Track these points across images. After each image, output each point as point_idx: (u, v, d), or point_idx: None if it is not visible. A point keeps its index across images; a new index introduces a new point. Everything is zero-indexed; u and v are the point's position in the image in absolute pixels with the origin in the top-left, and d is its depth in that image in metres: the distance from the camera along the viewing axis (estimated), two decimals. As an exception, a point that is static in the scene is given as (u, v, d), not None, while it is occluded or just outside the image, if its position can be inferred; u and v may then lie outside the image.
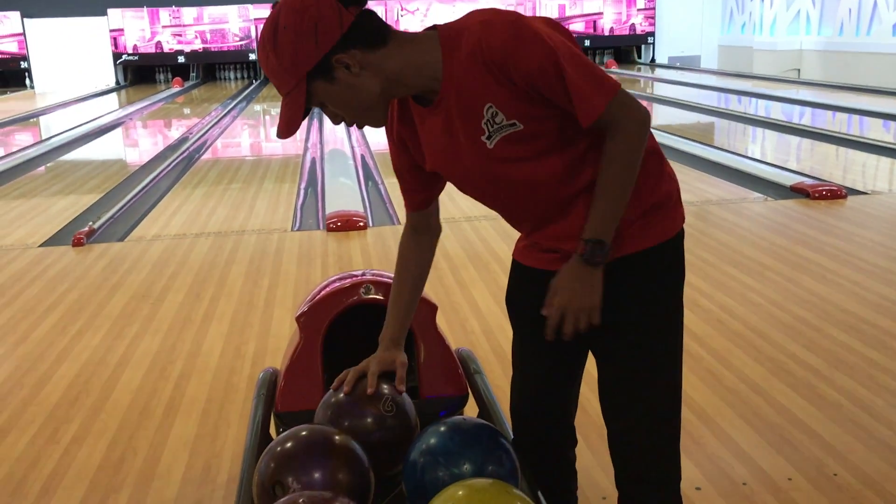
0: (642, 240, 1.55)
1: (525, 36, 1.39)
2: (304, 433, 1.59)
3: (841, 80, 13.16)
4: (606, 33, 18.52)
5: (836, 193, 5.54)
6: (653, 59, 18.66)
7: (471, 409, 2.02)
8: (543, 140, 1.48)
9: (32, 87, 17.49)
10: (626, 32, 18.54)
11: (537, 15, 1.47)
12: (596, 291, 1.49)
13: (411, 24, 17.97)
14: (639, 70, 17.61)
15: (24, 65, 17.47)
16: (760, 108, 10.95)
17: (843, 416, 2.63)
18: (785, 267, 4.13)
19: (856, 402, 2.71)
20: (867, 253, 4.33)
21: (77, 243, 4.99)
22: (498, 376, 2.99)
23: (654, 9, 18.41)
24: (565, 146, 1.50)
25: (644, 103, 8.50)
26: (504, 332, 3.42)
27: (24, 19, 17.21)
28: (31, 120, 12.75)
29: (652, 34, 18.54)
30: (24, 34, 17.25)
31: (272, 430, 1.99)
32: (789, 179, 5.98)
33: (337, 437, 1.58)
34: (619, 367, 1.61)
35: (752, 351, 3.15)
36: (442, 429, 1.63)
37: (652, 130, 1.51)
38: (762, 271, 4.07)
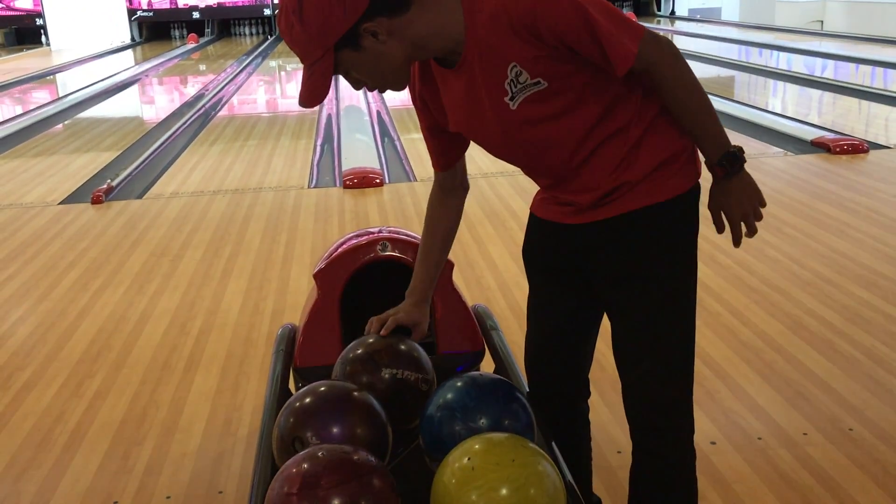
0: (653, 194, 1.55)
1: None
2: (322, 389, 1.61)
3: (865, 32, 12.88)
4: (625, -15, 18.21)
5: (857, 148, 5.46)
6: (672, 12, 18.34)
7: (487, 365, 2.03)
8: (566, 98, 1.48)
9: (48, 45, 17.46)
10: (646, -16, 18.21)
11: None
12: (757, 192, 1.58)
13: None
14: (658, 22, 17.32)
15: (39, 22, 17.42)
16: (782, 61, 10.76)
17: (860, 371, 2.63)
18: (804, 222, 4.10)
19: (873, 358, 2.71)
20: (888, 208, 4.29)
21: (96, 201, 5.03)
22: (514, 332, 3.01)
23: (674, -41, 18.06)
24: (587, 104, 1.49)
25: None
26: (520, 288, 3.43)
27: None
28: (48, 77, 12.75)
29: (672, -15, 18.20)
30: (38, -10, 17.18)
31: (291, 385, 2.02)
32: (810, 134, 5.90)
33: (355, 393, 1.60)
34: (630, 320, 1.61)
35: (769, 306, 3.14)
36: (459, 384, 1.65)
37: None
38: (781, 227, 4.04)
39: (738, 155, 1.54)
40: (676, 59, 1.47)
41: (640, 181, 1.54)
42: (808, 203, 4.42)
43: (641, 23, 1.46)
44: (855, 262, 3.56)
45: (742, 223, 1.59)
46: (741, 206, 1.58)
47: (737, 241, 1.60)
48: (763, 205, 1.58)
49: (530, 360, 1.83)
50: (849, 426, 2.33)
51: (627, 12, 18.20)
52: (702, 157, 1.61)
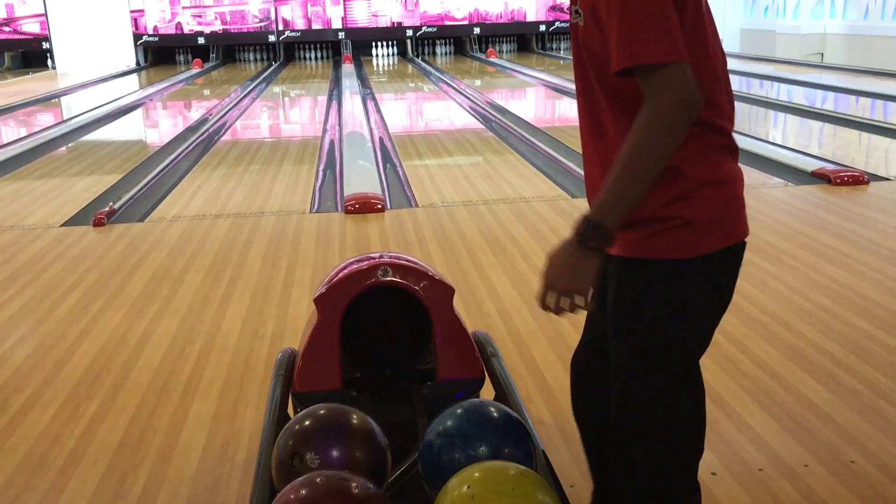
0: (642, 245, 1.46)
1: None
2: (322, 411, 1.60)
3: (865, 65, 12.98)
4: (627, 16, 18.36)
5: (858, 179, 5.48)
6: (674, 43, 18.47)
7: (487, 392, 2.03)
8: (587, 59, 1.46)
9: (54, 68, 17.58)
10: (648, 15, 18.35)
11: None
12: (584, 276, 1.39)
13: (431, 5, 17.89)
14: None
15: (45, 45, 17.56)
16: (782, 93, 10.83)
17: (862, 403, 2.62)
18: (805, 253, 4.10)
19: (874, 389, 2.70)
20: (889, 240, 4.29)
21: (98, 223, 5.04)
22: (514, 359, 3.00)
23: (676, -9, 18.21)
24: (593, 92, 1.45)
25: None
26: (521, 315, 3.43)
27: None
28: (53, 100, 12.83)
29: (673, 17, 18.35)
30: (45, 14, 17.32)
31: (290, 410, 2.01)
32: (811, 165, 5.92)
33: (354, 416, 1.60)
34: (613, 370, 1.56)
35: (769, 337, 3.14)
36: (458, 411, 1.65)
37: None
38: (782, 257, 4.04)
39: (604, 236, 1.39)
40: (661, 118, 1.33)
41: (630, 227, 1.44)
42: (808, 234, 4.43)
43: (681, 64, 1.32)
44: (856, 293, 3.56)
45: (549, 292, 1.43)
46: (560, 274, 1.42)
47: (539, 301, 1.46)
48: (582, 306, 1.41)
49: (573, 367, 1.82)
50: (850, 458, 2.31)
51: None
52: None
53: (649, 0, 1.33)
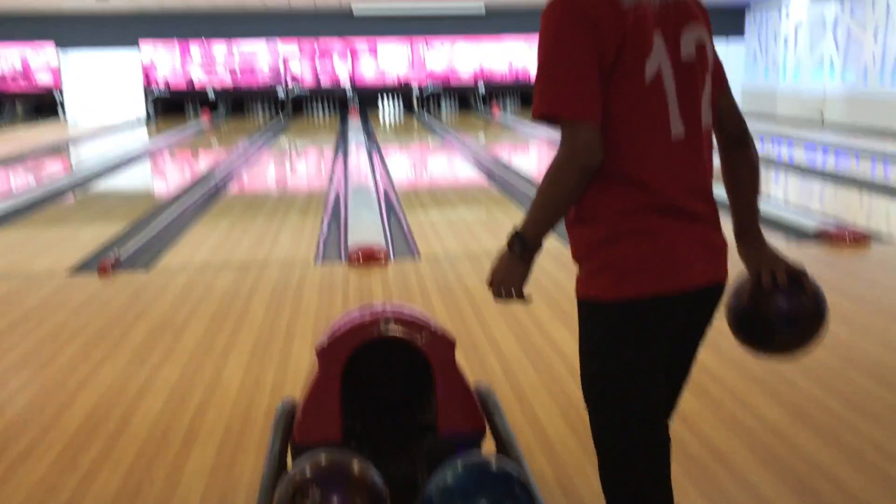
0: (579, 285, 1.66)
1: (550, 15, 1.52)
2: (323, 459, 1.60)
3: (866, 125, 13.12)
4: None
5: (860, 239, 5.50)
6: (676, 101, 18.72)
7: (489, 447, 2.01)
8: None
9: (65, 119, 17.83)
10: (651, 74, 18.64)
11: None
12: (513, 275, 1.64)
13: (436, 63, 18.18)
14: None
15: (57, 96, 17.84)
16: (783, 152, 10.93)
17: (867, 462, 2.59)
18: (808, 311, 4.09)
19: (880, 450, 2.67)
20: (892, 299, 4.29)
21: (103, 272, 5.06)
22: (516, 414, 2.98)
23: (678, 51, 18.52)
24: None
25: None
26: (523, 370, 3.41)
27: (59, 51, 17.61)
28: (62, 150, 12.98)
29: (676, 76, 18.63)
30: (58, 66, 17.63)
31: (289, 462, 2.00)
32: (813, 224, 5.95)
33: (355, 464, 1.59)
34: None
35: (773, 394, 3.12)
36: (459, 466, 1.64)
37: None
38: (785, 315, 4.03)
39: (523, 245, 1.62)
40: (556, 167, 1.53)
41: (579, 260, 1.68)
42: (811, 291, 4.42)
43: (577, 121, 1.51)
44: (860, 351, 3.54)
45: (491, 286, 1.67)
46: (496, 270, 1.67)
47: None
48: (515, 290, 1.66)
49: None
50: (855, 519, 2.28)
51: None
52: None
53: (570, 59, 1.49)
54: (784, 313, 1.77)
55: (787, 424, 2.87)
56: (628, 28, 1.50)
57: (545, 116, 1.51)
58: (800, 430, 2.83)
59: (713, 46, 1.70)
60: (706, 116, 1.65)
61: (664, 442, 1.71)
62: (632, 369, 1.63)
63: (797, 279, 1.77)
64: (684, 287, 1.61)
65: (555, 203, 1.56)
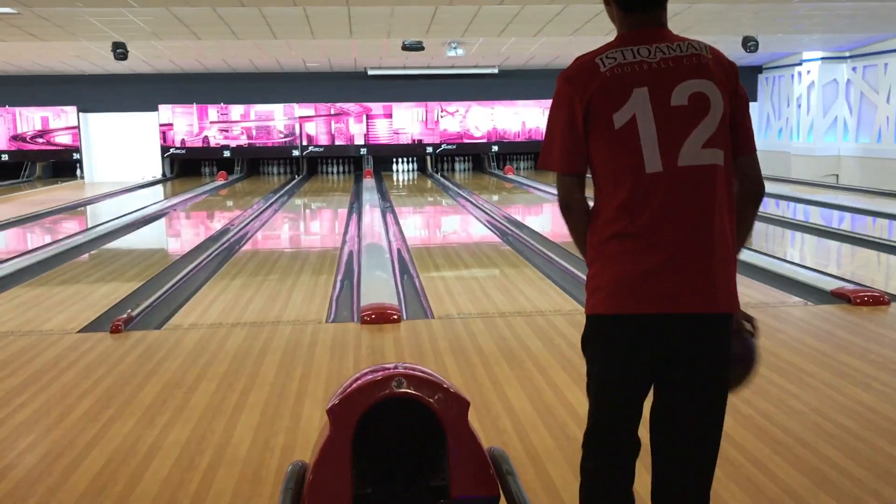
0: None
1: (557, 88, 1.94)
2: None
3: (880, 186, 13.12)
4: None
5: (878, 300, 5.44)
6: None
7: (502, 511, 1.96)
8: None
9: (82, 178, 18.08)
10: (663, 135, 18.77)
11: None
12: None
13: (450, 124, 18.41)
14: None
15: (76, 156, 18.12)
16: (799, 212, 10.92)
17: (893, 532, 2.51)
18: (827, 373, 4.03)
19: (905, 518, 2.59)
20: (913, 361, 4.21)
21: (115, 330, 5.05)
22: (530, 477, 2.92)
23: (690, 113, 18.67)
24: None
25: None
26: (537, 432, 3.36)
27: (80, 114, 17.96)
28: (79, 209, 13.13)
29: (688, 138, 18.74)
30: (78, 128, 17.96)
31: (298, 526, 1.95)
32: (830, 284, 5.89)
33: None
34: None
35: (793, 459, 3.05)
36: (472, 531, 1.59)
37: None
38: (803, 377, 3.97)
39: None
40: (560, 208, 1.98)
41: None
42: (830, 354, 4.36)
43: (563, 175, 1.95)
44: (881, 415, 3.47)
45: None
46: None
47: None
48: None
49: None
50: (883, 592, 2.20)
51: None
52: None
53: (556, 124, 1.92)
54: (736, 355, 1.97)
55: (809, 492, 2.79)
56: (599, 87, 1.84)
57: (542, 168, 1.99)
58: (821, 497, 2.75)
59: (729, 98, 1.89)
60: (700, 158, 1.83)
61: (629, 457, 1.96)
62: (606, 381, 1.91)
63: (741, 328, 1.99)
64: (649, 310, 1.81)
65: (573, 238, 2.00)
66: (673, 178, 1.81)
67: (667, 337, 1.82)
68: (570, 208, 1.93)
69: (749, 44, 13.00)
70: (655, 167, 1.81)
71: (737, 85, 1.91)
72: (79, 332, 5.14)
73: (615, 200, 1.84)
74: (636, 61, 1.84)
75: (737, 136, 1.91)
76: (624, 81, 1.83)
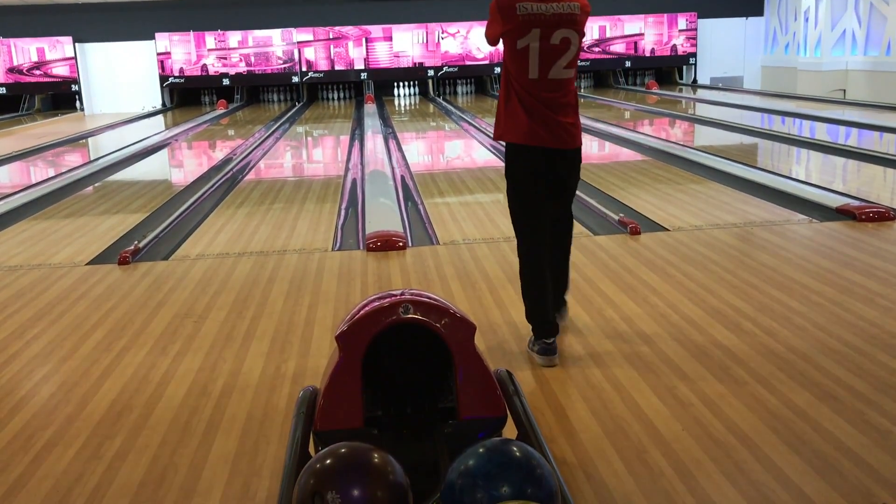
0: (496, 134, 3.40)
1: (492, 8, 3.24)
2: (343, 450, 1.59)
3: (888, 101, 12.94)
4: (647, 54, 18.48)
5: (883, 215, 5.43)
6: (695, 80, 18.55)
7: (510, 431, 2.01)
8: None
9: (82, 110, 17.93)
10: (668, 53, 18.48)
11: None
12: None
13: (451, 45, 18.10)
14: (680, 90, 17.51)
15: (74, 88, 17.93)
16: (805, 129, 10.81)
17: (893, 443, 2.57)
18: (831, 290, 4.05)
19: (906, 430, 2.64)
20: (917, 276, 4.23)
21: (122, 262, 5.09)
22: (537, 398, 2.97)
23: (695, 30, 18.34)
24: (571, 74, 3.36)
25: (685, 124, 8.57)
26: (543, 354, 3.40)
27: (76, 44, 17.69)
28: (80, 141, 13.06)
29: (693, 55, 18.45)
30: (75, 58, 17.72)
31: (311, 449, 2.00)
32: (835, 201, 5.88)
33: (376, 455, 1.59)
34: None
35: (797, 376, 3.09)
36: (480, 450, 1.63)
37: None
38: (807, 294, 4.00)
39: None
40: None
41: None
42: (834, 271, 4.38)
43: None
44: (885, 330, 3.50)
45: None
46: None
47: None
48: None
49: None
50: (882, 500, 2.26)
51: (649, 81, 18.47)
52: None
53: (489, 27, 3.31)
54: None
55: (812, 406, 2.84)
56: (514, 24, 3.15)
57: (486, 36, 3.34)
58: (825, 411, 2.80)
59: (580, 37, 3.21)
60: (559, 73, 3.20)
61: (544, 241, 3.36)
62: (519, 186, 3.31)
63: None
64: (537, 144, 3.21)
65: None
66: (542, 83, 3.19)
67: (547, 162, 3.24)
68: (489, 42, 3.37)
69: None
70: (534, 75, 3.18)
71: (584, 24, 3.22)
72: (87, 264, 5.17)
73: (516, 89, 3.22)
74: (537, 13, 3.12)
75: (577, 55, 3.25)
76: (526, 23, 3.13)
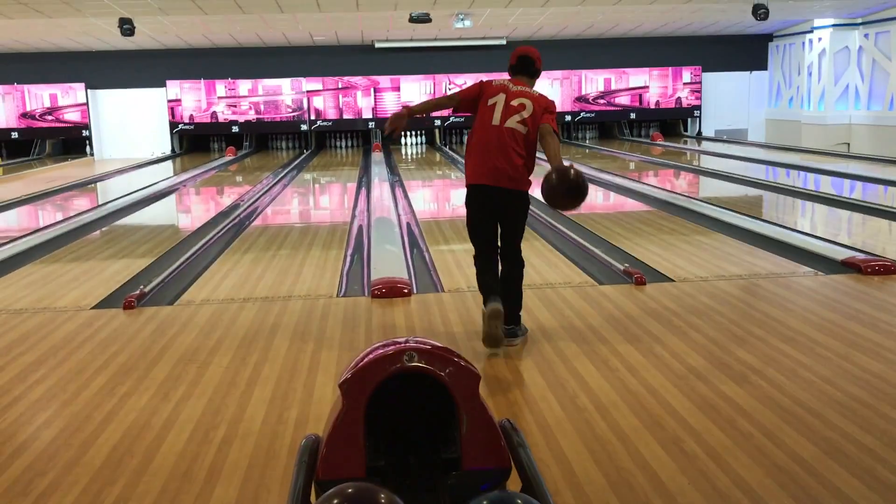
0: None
1: (479, 82, 4.42)
2: (350, 490, 1.58)
3: (892, 154, 13.01)
4: (652, 106, 18.67)
5: (889, 269, 5.42)
6: (699, 132, 18.71)
7: (514, 483, 1.98)
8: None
9: (92, 155, 18.12)
10: (672, 106, 18.66)
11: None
12: (396, 118, 4.26)
13: (459, 96, 18.32)
14: (685, 143, 17.64)
15: (85, 133, 18.15)
16: (809, 182, 10.85)
17: (902, 500, 2.53)
18: (837, 343, 4.03)
19: (915, 486, 2.61)
20: (923, 330, 4.21)
21: (128, 306, 5.09)
22: (542, 449, 2.95)
23: (700, 83, 18.55)
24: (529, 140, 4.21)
25: (690, 175, 8.67)
26: (547, 404, 3.38)
27: (88, 91, 17.95)
28: (89, 186, 13.17)
29: (698, 108, 18.64)
30: (87, 104, 17.96)
31: (313, 498, 1.98)
32: (840, 254, 5.88)
33: (383, 496, 1.57)
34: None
35: (803, 429, 3.06)
36: (484, 503, 1.61)
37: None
38: (813, 347, 3.98)
39: (410, 110, 4.25)
40: (448, 105, 4.45)
41: None
42: (840, 324, 4.36)
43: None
44: (891, 384, 3.48)
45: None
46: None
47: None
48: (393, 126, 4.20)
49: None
50: (892, 559, 2.22)
51: (654, 133, 18.62)
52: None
53: (467, 89, 4.38)
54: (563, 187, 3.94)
55: (819, 461, 2.81)
56: (487, 90, 4.20)
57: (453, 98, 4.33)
58: (832, 466, 2.77)
59: (538, 111, 4.14)
60: (514, 125, 4.09)
61: (490, 249, 4.25)
62: (471, 216, 4.23)
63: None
64: (482, 183, 4.11)
65: (432, 103, 4.63)
66: (501, 129, 4.09)
67: (491, 197, 4.13)
68: (452, 103, 4.33)
69: (759, 11, 12.86)
70: (496, 123, 4.10)
71: (545, 110, 4.17)
72: (92, 308, 5.18)
73: (476, 136, 4.16)
74: (506, 86, 4.21)
75: (542, 124, 4.15)
76: (497, 91, 4.19)
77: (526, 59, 4.30)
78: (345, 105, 18.38)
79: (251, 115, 18.31)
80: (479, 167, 4.07)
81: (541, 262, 6.14)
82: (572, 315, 4.60)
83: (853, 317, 4.49)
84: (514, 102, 4.10)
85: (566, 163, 3.93)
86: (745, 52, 18.43)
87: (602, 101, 18.62)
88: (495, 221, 4.17)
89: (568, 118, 18.65)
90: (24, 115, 18.15)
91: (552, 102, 4.23)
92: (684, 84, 18.56)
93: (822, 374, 3.62)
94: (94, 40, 15.95)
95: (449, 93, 4.23)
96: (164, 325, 4.75)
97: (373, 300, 5.14)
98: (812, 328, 4.28)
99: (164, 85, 17.99)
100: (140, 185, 12.20)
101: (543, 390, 3.54)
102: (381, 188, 10.71)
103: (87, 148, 18.26)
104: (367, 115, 18.33)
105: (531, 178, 4.17)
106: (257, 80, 18.17)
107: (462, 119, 18.57)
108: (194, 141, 18.66)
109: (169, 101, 18.07)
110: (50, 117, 18.18)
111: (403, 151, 17.81)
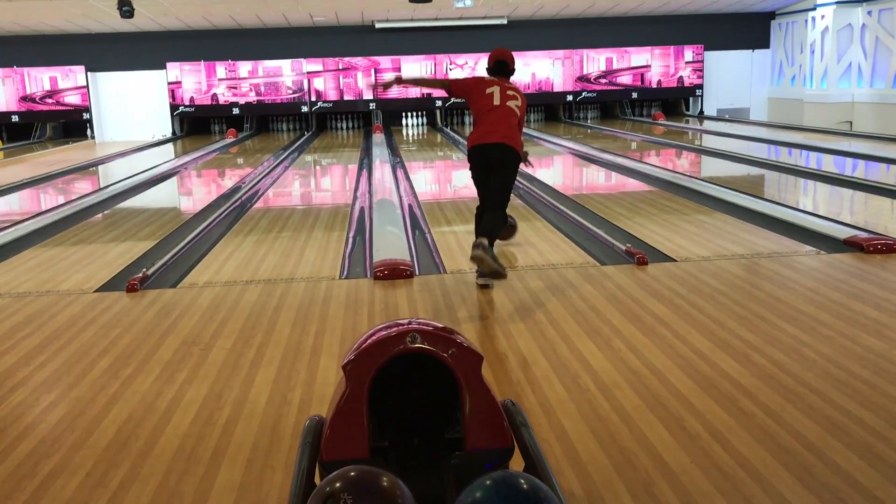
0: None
1: (473, 77, 5.46)
2: (352, 472, 1.59)
3: (895, 133, 12.95)
4: (654, 86, 18.59)
5: (891, 247, 5.42)
6: (701, 112, 18.63)
7: (517, 463, 2.00)
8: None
9: (93, 138, 18.09)
10: (674, 85, 18.58)
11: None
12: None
13: (459, 77, 18.24)
14: (687, 122, 17.58)
15: (85, 116, 18.11)
16: (812, 161, 10.82)
17: (903, 477, 2.54)
18: (840, 322, 4.03)
19: (916, 464, 2.62)
20: (926, 309, 4.21)
21: (131, 289, 5.10)
22: (544, 429, 2.96)
23: (702, 62, 18.46)
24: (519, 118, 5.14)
25: (692, 155, 8.77)
26: (550, 384, 3.39)
27: (88, 73, 17.89)
28: (91, 169, 13.16)
29: (700, 87, 18.56)
30: (87, 87, 17.91)
31: (317, 479, 1.99)
32: (842, 233, 5.87)
33: (385, 478, 1.58)
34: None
35: (806, 408, 3.07)
36: (487, 482, 1.62)
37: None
38: (816, 326, 3.98)
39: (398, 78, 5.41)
40: (442, 87, 5.59)
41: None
42: (843, 303, 4.36)
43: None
44: (894, 363, 3.48)
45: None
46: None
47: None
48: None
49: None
50: (893, 536, 2.23)
51: (656, 112, 18.55)
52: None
53: (462, 81, 5.48)
54: None
55: (821, 439, 2.82)
56: (482, 83, 5.09)
57: (451, 91, 5.29)
58: (834, 444, 2.78)
59: (523, 105, 5.08)
60: (511, 106, 4.97)
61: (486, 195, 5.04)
62: (473, 174, 5.06)
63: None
64: (485, 142, 4.90)
65: (428, 82, 8.48)
66: (502, 106, 4.93)
67: (491, 150, 4.89)
68: (444, 87, 5.32)
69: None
70: (497, 103, 4.93)
71: (524, 102, 5.09)
72: (95, 291, 5.19)
73: (481, 115, 4.95)
74: (496, 80, 5.05)
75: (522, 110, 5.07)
76: (491, 84, 5.00)
77: (503, 63, 5.17)
78: (345, 86, 18.32)
79: (252, 97, 18.25)
80: (485, 135, 4.89)
81: (543, 242, 6.14)
82: (574, 295, 4.61)
83: (855, 296, 4.49)
84: (509, 93, 5.02)
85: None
86: (748, 30, 18.33)
87: (604, 81, 18.54)
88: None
89: (569, 98, 18.57)
90: (25, 99, 18.10)
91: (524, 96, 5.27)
92: (686, 63, 18.47)
93: (824, 352, 3.63)
94: (93, 22, 15.88)
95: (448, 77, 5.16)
96: (168, 307, 4.76)
97: (375, 282, 5.15)
98: (814, 307, 4.28)
99: (164, 67, 17.93)
100: (141, 168, 12.18)
101: (546, 370, 3.55)
102: (382, 170, 10.69)
103: (88, 131, 18.23)
104: (368, 96, 18.26)
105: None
106: (257, 61, 18.10)
107: (463, 100, 18.54)
108: (195, 123, 18.62)
109: (169, 83, 18.02)
110: (50, 100, 18.13)
111: (404, 133, 17.76)
